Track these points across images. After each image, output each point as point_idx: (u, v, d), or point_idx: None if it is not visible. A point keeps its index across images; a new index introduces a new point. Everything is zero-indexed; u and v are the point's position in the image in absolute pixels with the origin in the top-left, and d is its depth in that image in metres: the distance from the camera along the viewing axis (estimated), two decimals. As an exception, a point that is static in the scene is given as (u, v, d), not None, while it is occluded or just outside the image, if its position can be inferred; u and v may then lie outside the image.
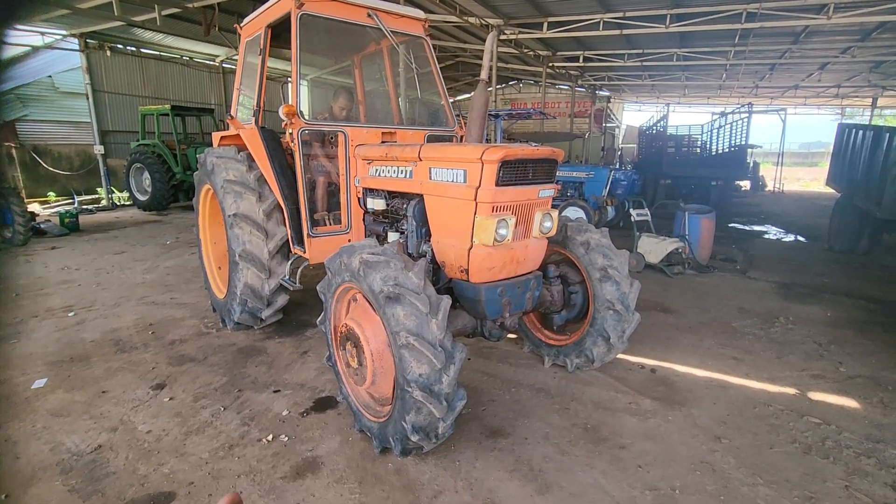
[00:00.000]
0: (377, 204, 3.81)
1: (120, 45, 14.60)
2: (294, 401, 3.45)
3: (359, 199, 4.05)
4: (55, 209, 12.48)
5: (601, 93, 25.38)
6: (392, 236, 3.75)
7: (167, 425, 3.13)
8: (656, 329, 4.89)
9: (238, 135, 4.51)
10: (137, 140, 13.53)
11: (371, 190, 3.90)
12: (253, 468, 2.72)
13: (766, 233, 11.27)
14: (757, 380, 3.85)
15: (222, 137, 4.86)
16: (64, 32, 13.17)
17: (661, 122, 15.59)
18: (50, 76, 14.26)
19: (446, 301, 2.50)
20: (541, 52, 16.17)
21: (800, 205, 16.84)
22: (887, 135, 7.13)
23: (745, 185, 20.52)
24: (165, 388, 3.63)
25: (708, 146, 15.90)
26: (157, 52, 15.59)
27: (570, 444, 2.98)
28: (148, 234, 9.84)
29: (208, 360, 4.13)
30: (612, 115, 28.07)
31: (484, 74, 3.55)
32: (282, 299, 4.44)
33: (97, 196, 14.64)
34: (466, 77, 23.99)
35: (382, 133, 4.11)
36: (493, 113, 11.28)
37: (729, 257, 8.11)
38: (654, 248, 7.12)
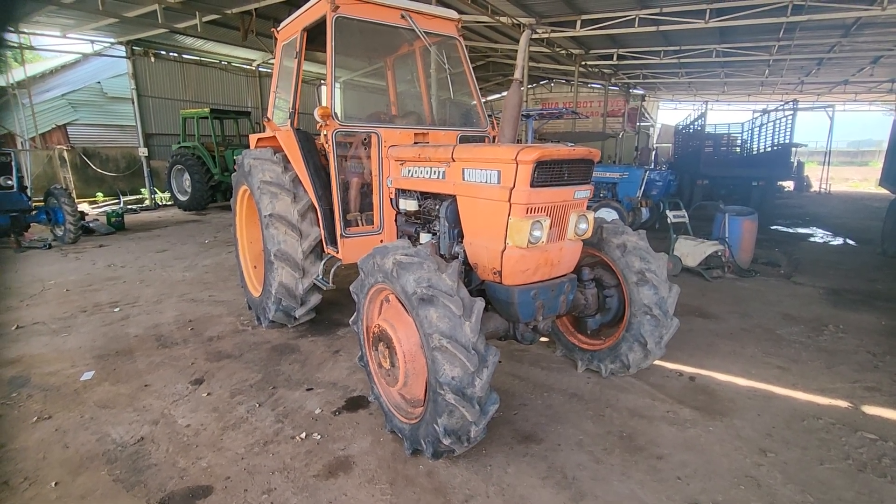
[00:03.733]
0: (409, 205, 3.81)
1: (163, 52, 15.19)
2: (326, 399, 3.49)
3: (391, 200, 4.06)
4: (103, 209, 13.09)
5: (635, 91, 24.79)
6: (424, 237, 3.74)
7: (205, 420, 3.22)
8: (695, 335, 4.72)
9: (274, 137, 4.61)
10: (178, 142, 14.06)
11: (403, 191, 3.90)
12: (287, 465, 2.76)
13: (811, 235, 10.74)
14: (805, 391, 3.66)
15: (259, 139, 4.98)
16: (112, 40, 13.80)
17: (699, 121, 15.08)
18: (99, 82, 14.99)
19: (480, 303, 2.48)
20: (573, 51, 15.93)
21: (848, 206, 15.99)
22: (949, 132, 6.67)
23: (789, 185, 19.65)
24: (203, 384, 3.73)
25: (749, 145, 15.31)
26: (198, 58, 16.15)
27: (606, 452, 2.90)
28: (188, 234, 10.19)
29: (244, 356, 4.23)
30: (646, 114, 27.39)
31: (518, 74, 3.52)
32: (315, 298, 4.51)
33: (141, 196, 15.29)
34: (497, 77, 23.86)
35: (415, 134, 4.12)
36: (524, 113, 11.16)
37: (772, 261, 7.76)
38: (691, 250, 6.89)
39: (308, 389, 3.64)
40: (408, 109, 5.45)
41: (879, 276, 7.06)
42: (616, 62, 16.80)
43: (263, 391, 3.62)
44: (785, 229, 11.34)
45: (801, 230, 11.35)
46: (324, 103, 3.76)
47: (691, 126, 16.23)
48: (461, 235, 3.34)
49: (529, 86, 27.57)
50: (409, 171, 3.74)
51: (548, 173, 2.79)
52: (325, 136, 3.77)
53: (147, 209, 14.32)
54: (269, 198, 4.20)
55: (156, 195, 15.04)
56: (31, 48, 13.30)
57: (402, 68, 5.55)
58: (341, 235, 3.97)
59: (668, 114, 31.89)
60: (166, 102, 15.45)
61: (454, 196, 3.29)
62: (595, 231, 3.63)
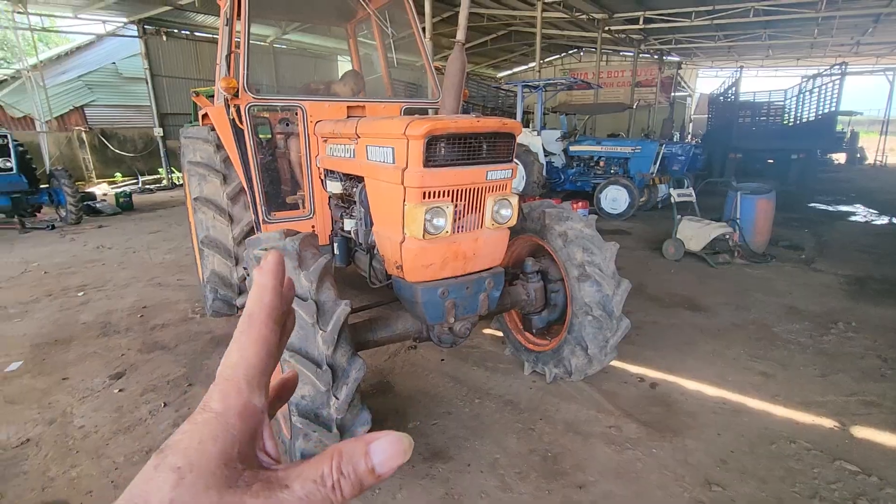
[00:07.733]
0: (335, 187, 3.42)
1: (175, 30, 15.14)
2: (237, 400, 3.22)
3: (322, 181, 3.70)
4: (122, 189, 13.35)
5: (670, 58, 23.10)
6: (348, 223, 3.37)
7: (101, 421, 3.02)
8: (676, 331, 4.18)
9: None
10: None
11: (330, 171, 3.52)
12: (161, 478, 2.51)
13: (853, 214, 9.67)
14: (785, 405, 3.10)
15: (204, 116, 4.68)
16: (124, 20, 13.82)
17: (732, 89, 13.81)
18: (114, 63, 15.15)
19: (343, 308, 2.10)
20: (595, 15, 14.83)
21: (905, 181, 14.41)
22: None
23: (840, 158, 17.95)
24: (123, 378, 3.54)
25: (790, 114, 13.93)
26: (209, 35, 16.03)
27: (519, 476, 2.50)
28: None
29: (178, 348, 4.03)
30: (683, 83, 25.60)
31: (460, 35, 3.10)
32: (257, 287, 4.23)
33: (159, 176, 15.55)
34: (522, 48, 22.80)
35: (348, 108, 3.70)
36: (531, 84, 10.46)
37: (794, 244, 6.94)
38: (695, 233, 6.20)
39: (224, 387, 3.39)
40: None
41: (920, 262, 6.16)
42: (644, 26, 15.54)
43: (178, 388, 3.40)
44: (824, 207, 10.28)
45: (842, 208, 10.25)
46: (237, 74, 3.39)
47: (725, 95, 14.92)
48: (374, 222, 2.94)
49: (556, 56, 26.24)
50: (331, 149, 3.35)
51: (449, 150, 2.34)
52: (238, 111, 3.41)
53: (165, 189, 14.55)
54: (196, 180, 3.92)
55: (173, 174, 15.24)
56: (44, 30, 13.50)
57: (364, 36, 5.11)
58: (264, 221, 3.64)
59: (709, 82, 29.76)
60: (179, 82, 15.45)
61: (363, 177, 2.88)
62: (538, 216, 3.16)
